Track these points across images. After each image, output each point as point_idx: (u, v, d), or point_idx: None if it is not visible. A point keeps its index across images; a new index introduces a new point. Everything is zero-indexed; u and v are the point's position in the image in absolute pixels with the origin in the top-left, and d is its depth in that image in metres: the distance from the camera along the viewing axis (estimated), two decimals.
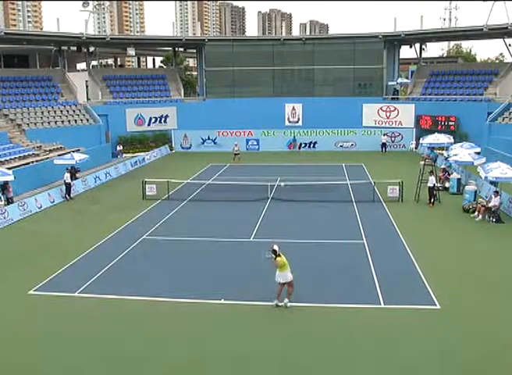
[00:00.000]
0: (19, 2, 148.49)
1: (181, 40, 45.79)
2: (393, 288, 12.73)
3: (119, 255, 15.74)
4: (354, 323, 10.91)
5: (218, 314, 11.41)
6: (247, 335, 10.57)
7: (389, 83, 43.66)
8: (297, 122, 42.93)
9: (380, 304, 11.83)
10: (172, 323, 11.07)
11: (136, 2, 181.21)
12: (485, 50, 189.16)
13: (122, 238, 17.62)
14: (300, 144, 39.86)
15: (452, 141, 29.89)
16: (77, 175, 27.37)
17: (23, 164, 28.04)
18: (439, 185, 23.80)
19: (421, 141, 33.02)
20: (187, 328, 10.84)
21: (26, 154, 29.74)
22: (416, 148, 38.87)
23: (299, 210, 21.38)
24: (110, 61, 68.04)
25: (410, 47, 45.05)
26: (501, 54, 72.49)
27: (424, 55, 46.89)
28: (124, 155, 38.45)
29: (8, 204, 21.79)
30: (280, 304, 11.43)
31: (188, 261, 15.21)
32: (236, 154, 34.29)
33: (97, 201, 23.80)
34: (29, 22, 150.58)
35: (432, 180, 21.94)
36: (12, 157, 28.55)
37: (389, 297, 12.14)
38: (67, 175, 24.39)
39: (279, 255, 11.48)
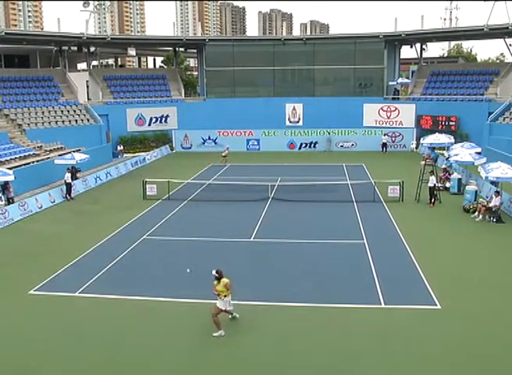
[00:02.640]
0: (20, 2, 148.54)
1: (182, 40, 45.81)
2: (394, 288, 12.71)
3: (120, 255, 15.74)
4: (354, 323, 10.89)
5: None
6: (247, 335, 10.55)
7: (390, 83, 43.63)
8: (298, 122, 42.93)
9: (380, 304, 11.81)
10: (172, 324, 11.05)
11: (137, 2, 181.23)
12: (485, 50, 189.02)
13: (123, 238, 17.62)
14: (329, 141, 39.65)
15: (452, 140, 29.86)
16: (78, 175, 27.34)
17: (24, 164, 28.03)
18: (439, 185, 23.78)
19: (421, 141, 33.01)
20: (188, 328, 10.81)
21: (26, 154, 29.73)
22: (417, 148, 38.82)
23: (299, 210, 21.37)
24: (111, 61, 68.06)
25: (411, 47, 45.03)
26: (502, 54, 72.44)
27: (424, 55, 46.88)
28: (125, 155, 38.41)
29: (8, 204, 21.80)
30: (223, 334, 10.42)
31: (188, 261, 15.12)
32: (224, 156, 34.00)
33: (97, 201, 23.83)
34: (29, 22, 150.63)
35: (432, 180, 21.92)
36: (13, 157, 28.55)
37: (390, 297, 12.13)
38: (68, 175, 24.39)
39: (222, 278, 10.48)
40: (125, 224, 19.45)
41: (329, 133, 39.66)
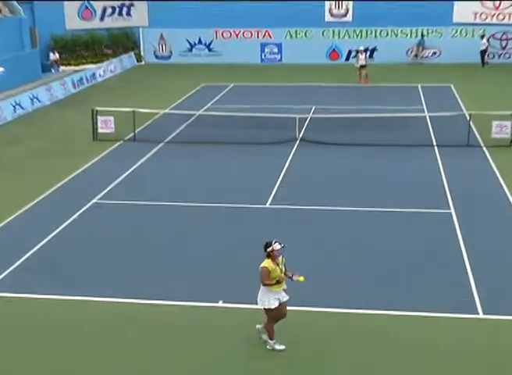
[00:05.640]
0: None
1: None
2: (498, 289, 12.57)
3: (54, 230, 15.67)
4: (438, 342, 10.76)
5: (215, 324, 11.33)
6: (258, 353, 10.48)
7: None
8: (345, 16, 42.14)
9: (477, 313, 11.69)
10: (140, 336, 11.03)
11: None
12: None
13: (60, 202, 17.62)
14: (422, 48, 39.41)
15: None
16: None
17: None
18: None
19: None
20: (168, 345, 10.74)
21: None
22: None
23: (344, 159, 21.33)
24: None
25: None
26: None
27: None
28: (62, 67, 38.47)
29: None
30: (280, 347, 10.58)
31: (167, 241, 15.15)
32: (361, 66, 34.21)
33: (17, 142, 23.82)
34: None
35: None
36: None
37: (492, 303, 12.00)
38: None
39: (270, 256, 10.33)
40: (63, 180, 19.45)
41: (423, 35, 39.11)
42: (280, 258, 10.29)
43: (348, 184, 18.97)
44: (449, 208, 16.83)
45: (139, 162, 21.23)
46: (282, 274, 10.19)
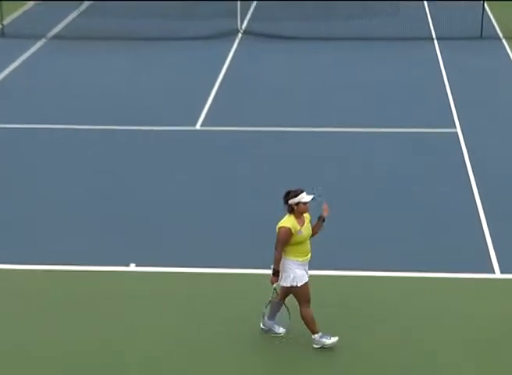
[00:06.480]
0: None
1: None
2: None
3: None
4: (447, 306, 11.04)
5: (126, 292, 11.47)
6: (183, 321, 10.63)
7: None
8: None
9: (493, 272, 12.02)
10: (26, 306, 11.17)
11: None
12: None
13: None
14: None
15: None
16: None
17: None
18: None
19: None
20: (69, 315, 10.76)
21: None
22: None
23: (305, 60, 21.54)
24: None
25: None
26: None
27: None
28: None
29: None
30: (281, 330, 10.11)
31: (52, 180, 15.17)
32: None
33: None
34: None
35: None
36: None
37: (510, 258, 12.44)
38: None
39: (294, 212, 9.47)
40: None
41: None
42: (306, 215, 9.65)
43: (313, 95, 19.15)
44: (455, 127, 17.23)
45: (10, 68, 21.19)
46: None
